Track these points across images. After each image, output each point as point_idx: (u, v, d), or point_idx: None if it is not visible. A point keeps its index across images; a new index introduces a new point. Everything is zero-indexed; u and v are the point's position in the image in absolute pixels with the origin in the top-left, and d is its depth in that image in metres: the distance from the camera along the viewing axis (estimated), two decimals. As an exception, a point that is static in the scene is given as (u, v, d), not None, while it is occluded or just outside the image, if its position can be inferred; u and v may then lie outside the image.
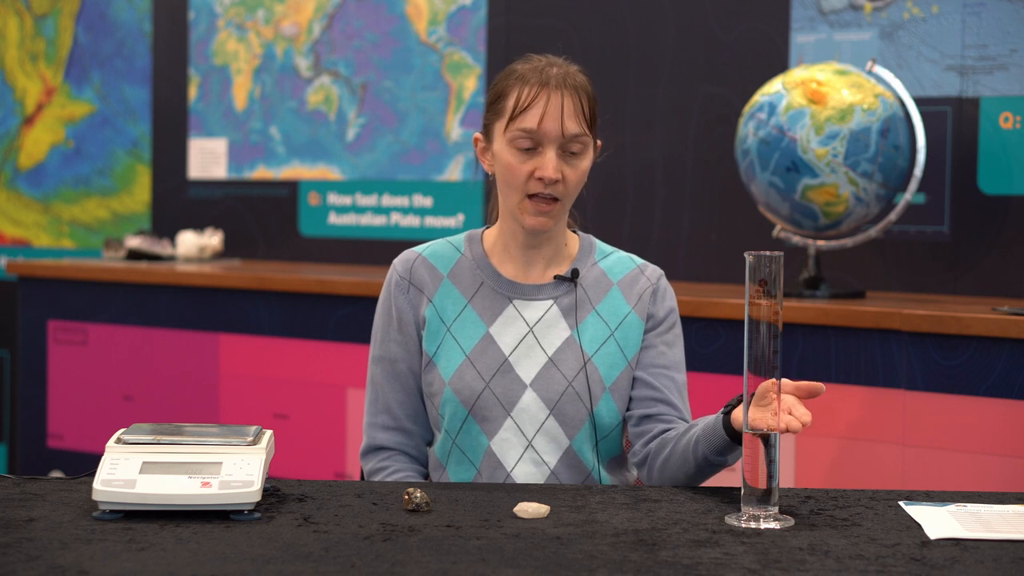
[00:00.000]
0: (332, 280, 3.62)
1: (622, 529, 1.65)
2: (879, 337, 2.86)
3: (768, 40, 3.52)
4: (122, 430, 1.78)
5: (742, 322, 1.70)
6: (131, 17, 4.65)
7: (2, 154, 4.89)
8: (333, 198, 4.29)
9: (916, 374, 2.82)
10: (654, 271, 2.15)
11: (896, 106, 3.10)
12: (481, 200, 4.02)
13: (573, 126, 2.00)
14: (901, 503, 1.80)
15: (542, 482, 2.03)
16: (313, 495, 1.80)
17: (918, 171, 3.12)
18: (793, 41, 3.48)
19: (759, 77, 3.36)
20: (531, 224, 2.03)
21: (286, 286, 3.69)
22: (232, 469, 1.69)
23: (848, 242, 3.16)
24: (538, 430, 2.04)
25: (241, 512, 1.67)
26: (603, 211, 3.72)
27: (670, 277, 2.24)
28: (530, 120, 1.99)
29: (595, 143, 2.06)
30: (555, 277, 2.10)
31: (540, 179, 2.00)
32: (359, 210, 4.24)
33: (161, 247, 4.32)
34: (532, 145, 2.00)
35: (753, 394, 1.70)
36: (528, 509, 1.70)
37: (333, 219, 4.29)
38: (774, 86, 3.12)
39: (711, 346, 3.05)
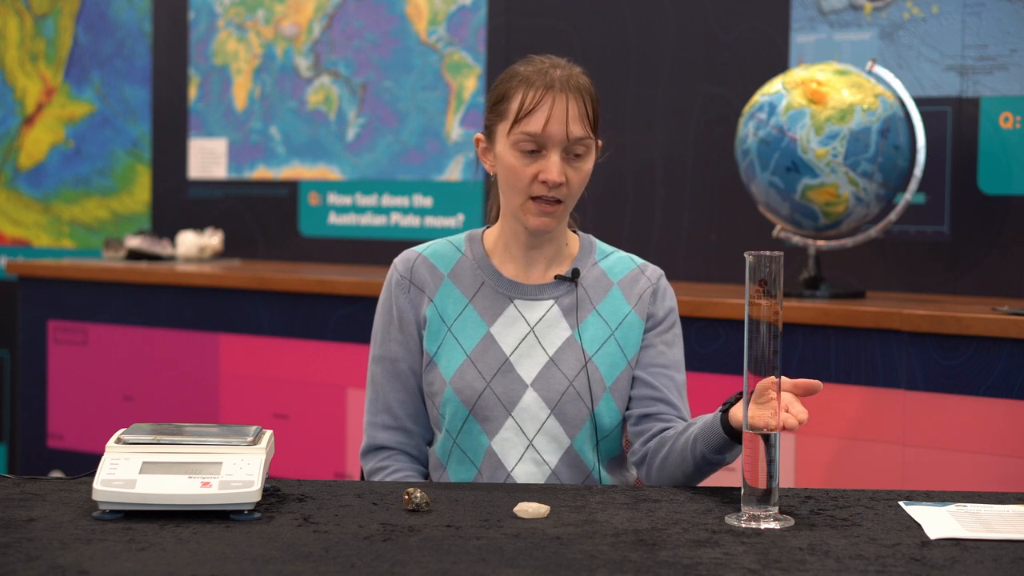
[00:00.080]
0: (332, 280, 3.62)
1: (622, 529, 1.65)
2: (879, 337, 2.86)
3: (768, 40, 3.52)
4: (122, 430, 1.78)
5: (742, 322, 1.70)
6: (131, 17, 4.65)
7: (2, 154, 4.89)
8: (333, 198, 4.29)
9: (916, 374, 2.82)
10: (654, 271, 2.15)
11: (896, 106, 3.10)
12: (481, 200, 4.02)
13: (577, 129, 2.00)
14: (901, 503, 1.80)
15: (543, 482, 2.03)
16: (313, 495, 1.80)
17: (918, 171, 3.12)
18: (793, 41, 3.48)
19: (759, 77, 3.36)
20: (534, 225, 2.04)
21: (286, 286, 3.69)
22: (232, 469, 1.69)
23: (848, 242, 3.16)
24: (539, 430, 2.04)
25: (241, 512, 1.67)
26: (603, 211, 3.72)
27: (670, 277, 2.24)
28: (535, 124, 1.99)
29: (597, 143, 2.07)
30: (556, 277, 2.10)
31: (544, 182, 2.00)
32: (359, 210, 4.24)
33: (161, 247, 4.32)
34: (536, 148, 2.00)
35: (752, 392, 1.70)
36: (528, 509, 1.70)
37: (333, 219, 4.29)
38: (774, 86, 3.12)
39: (711, 346, 3.05)
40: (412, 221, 4.16)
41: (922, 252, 3.32)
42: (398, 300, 2.11)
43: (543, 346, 2.06)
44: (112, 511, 1.66)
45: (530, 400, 2.04)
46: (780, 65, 3.46)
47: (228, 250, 4.46)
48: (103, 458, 1.71)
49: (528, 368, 2.05)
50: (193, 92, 4.53)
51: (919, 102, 3.20)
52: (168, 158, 4.60)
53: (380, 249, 4.18)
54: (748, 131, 3.12)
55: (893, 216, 3.12)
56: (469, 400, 2.04)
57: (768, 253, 1.67)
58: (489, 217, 2.20)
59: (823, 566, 1.49)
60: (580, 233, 2.17)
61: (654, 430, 2.05)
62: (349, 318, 3.59)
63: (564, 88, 2.00)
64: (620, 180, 3.74)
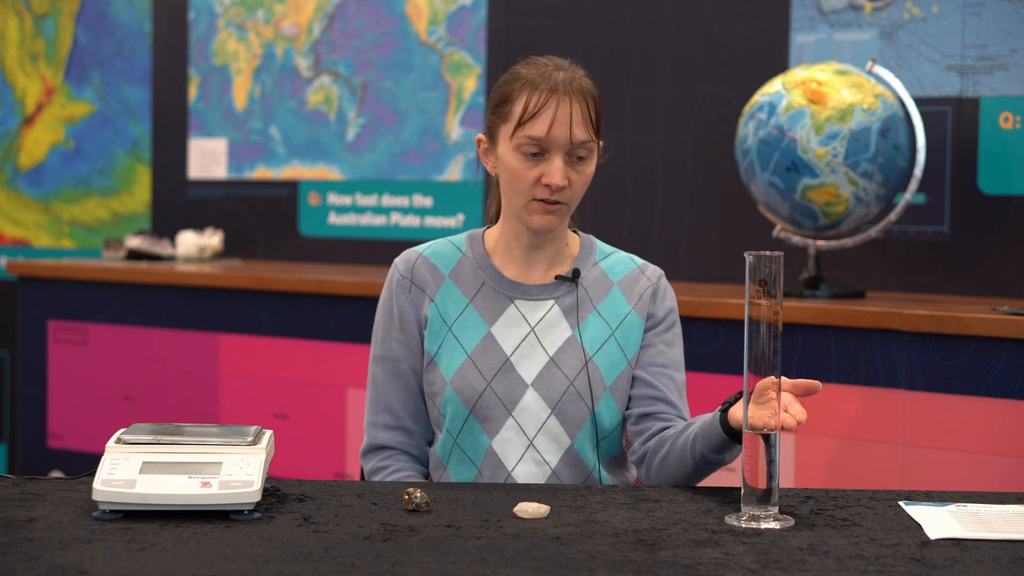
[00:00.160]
0: (332, 280, 3.62)
1: (622, 529, 1.65)
2: (879, 337, 2.86)
3: (768, 40, 3.52)
4: (122, 430, 1.78)
5: (742, 322, 1.70)
6: (131, 17, 4.65)
7: (2, 154, 4.89)
8: (333, 198, 4.29)
9: (916, 374, 2.82)
10: (654, 271, 2.15)
11: (896, 106, 3.10)
12: (481, 200, 4.02)
13: (581, 133, 2.00)
14: (901, 503, 1.80)
15: (543, 482, 2.03)
16: (313, 495, 1.80)
17: (918, 171, 3.12)
18: (793, 41, 3.48)
19: (759, 77, 3.36)
20: (538, 224, 2.04)
21: (286, 286, 3.69)
22: (232, 469, 1.69)
23: (848, 242, 3.16)
24: (539, 430, 2.04)
25: (241, 512, 1.67)
26: (603, 211, 3.72)
27: (670, 277, 2.24)
28: (539, 128, 1.99)
29: (599, 145, 2.07)
30: (556, 277, 2.10)
31: (547, 185, 2.00)
32: (359, 210, 4.24)
33: (161, 247, 4.32)
34: (539, 151, 2.00)
35: (752, 392, 1.70)
36: (528, 509, 1.70)
37: (333, 219, 4.29)
38: (774, 86, 3.12)
39: (711, 346, 3.05)
40: (412, 221, 4.16)
41: (922, 252, 3.32)
42: (399, 300, 2.11)
43: (543, 346, 2.06)
44: (112, 511, 1.66)
45: (530, 400, 2.04)
46: (780, 65, 3.46)
47: (228, 250, 4.46)
48: (103, 458, 1.71)
49: (528, 368, 2.05)
50: (193, 92, 4.53)
51: (919, 102, 3.20)
52: (168, 158, 4.60)
53: (380, 249, 4.18)
54: (748, 131, 3.12)
55: (893, 216, 3.12)
56: (470, 400, 2.04)
57: (768, 253, 1.67)
58: (488, 217, 2.20)
59: (823, 566, 1.49)
60: (580, 233, 2.17)
61: (654, 429, 2.05)
62: (349, 318, 3.60)
63: (567, 91, 2.00)
64: (620, 180, 3.74)
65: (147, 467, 1.69)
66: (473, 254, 2.13)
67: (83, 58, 4.74)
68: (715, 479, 2.07)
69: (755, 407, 1.70)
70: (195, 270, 3.92)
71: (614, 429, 2.07)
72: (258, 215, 4.43)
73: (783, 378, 1.72)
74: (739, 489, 1.75)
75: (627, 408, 2.09)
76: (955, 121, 3.26)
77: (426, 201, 4.13)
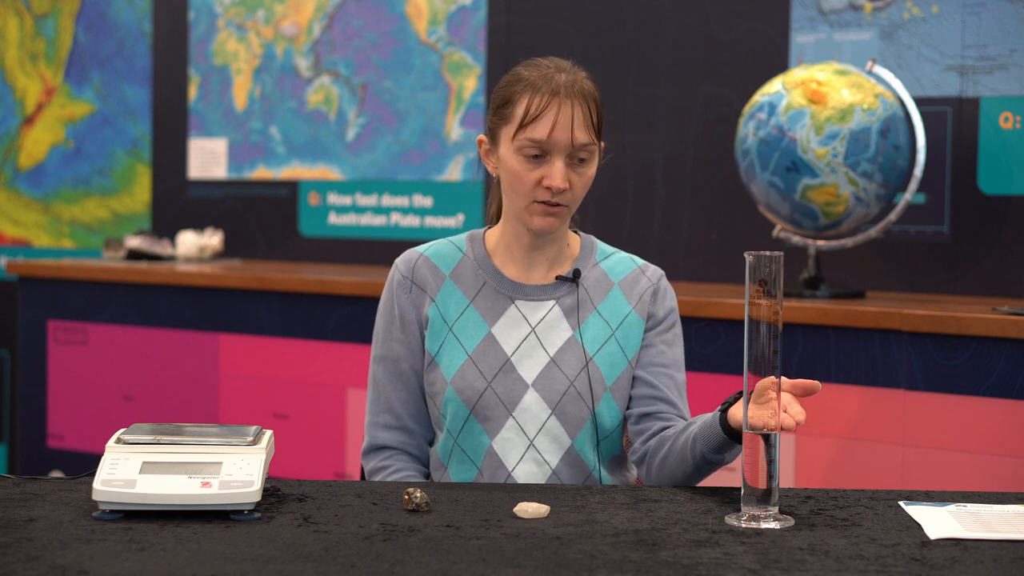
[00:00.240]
0: (332, 280, 3.62)
1: (622, 529, 1.65)
2: (879, 337, 2.86)
3: (768, 40, 3.52)
4: (122, 430, 1.78)
5: (742, 322, 1.70)
6: (131, 17, 4.65)
7: (2, 154, 4.89)
8: (333, 198, 4.29)
9: (916, 374, 2.82)
10: (655, 271, 2.15)
11: (896, 106, 3.10)
12: (481, 200, 4.02)
13: (582, 136, 2.00)
14: (901, 503, 1.80)
15: (543, 482, 2.03)
16: (313, 495, 1.80)
17: (918, 171, 3.12)
18: (793, 41, 3.48)
19: (759, 77, 3.36)
20: (539, 225, 2.04)
21: (286, 286, 3.69)
22: (232, 469, 1.69)
23: (848, 242, 3.16)
24: (540, 430, 2.04)
25: (241, 512, 1.67)
26: (603, 211, 3.72)
27: (670, 277, 2.24)
28: (540, 130, 1.99)
29: (600, 146, 2.07)
30: (557, 278, 2.10)
31: (548, 188, 2.00)
32: (359, 210, 4.24)
33: (161, 247, 4.32)
34: (540, 153, 2.00)
35: (752, 392, 1.70)
36: (528, 509, 1.70)
37: (333, 219, 4.29)
38: (774, 86, 3.12)
39: (711, 346, 3.05)
40: (412, 221, 4.16)
41: (922, 252, 3.32)
42: (400, 300, 2.11)
43: (544, 346, 2.06)
44: (112, 511, 1.66)
45: (531, 400, 2.04)
46: (780, 65, 3.46)
47: (228, 250, 4.46)
48: (103, 458, 1.71)
49: (529, 368, 2.05)
50: (193, 92, 4.53)
51: (919, 102, 3.20)
52: (168, 158, 4.60)
53: (380, 249, 4.18)
54: (748, 131, 3.12)
55: (893, 216, 3.12)
56: (470, 400, 2.04)
57: (768, 253, 1.67)
58: (488, 217, 2.20)
59: (823, 566, 1.49)
60: (581, 234, 2.17)
61: (654, 429, 2.05)
62: (349, 318, 3.60)
63: (569, 94, 2.00)
64: (620, 180, 3.74)
65: (147, 467, 1.69)
66: (474, 254, 2.13)
67: (83, 58, 4.74)
68: (715, 479, 2.07)
69: (755, 407, 1.70)
70: (195, 270, 3.92)
71: (614, 429, 2.08)
72: (258, 215, 4.43)
73: (783, 378, 1.72)
74: (739, 489, 1.75)
75: (627, 408, 2.09)
76: (955, 121, 3.26)
77: (426, 201, 4.13)
